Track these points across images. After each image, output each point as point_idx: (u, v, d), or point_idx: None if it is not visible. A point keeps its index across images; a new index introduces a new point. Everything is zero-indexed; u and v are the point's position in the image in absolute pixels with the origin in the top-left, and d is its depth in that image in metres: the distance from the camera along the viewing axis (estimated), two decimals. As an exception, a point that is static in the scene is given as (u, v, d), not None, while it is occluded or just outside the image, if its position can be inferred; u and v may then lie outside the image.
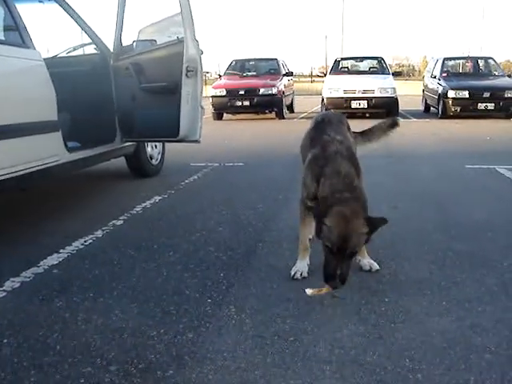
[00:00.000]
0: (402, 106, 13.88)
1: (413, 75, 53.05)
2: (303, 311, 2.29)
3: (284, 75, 14.74)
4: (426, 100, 15.35)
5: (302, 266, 2.67)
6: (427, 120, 12.92)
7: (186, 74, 4.09)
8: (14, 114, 3.33)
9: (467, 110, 12.42)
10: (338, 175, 2.39)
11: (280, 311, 2.30)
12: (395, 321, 2.19)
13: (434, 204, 4.22)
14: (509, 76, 13.73)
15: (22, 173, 3.38)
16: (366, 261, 2.76)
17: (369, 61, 15.94)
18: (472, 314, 2.24)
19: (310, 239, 2.78)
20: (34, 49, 3.65)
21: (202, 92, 4.30)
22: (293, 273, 2.66)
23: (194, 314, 2.28)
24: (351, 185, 2.38)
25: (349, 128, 3.03)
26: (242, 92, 13.45)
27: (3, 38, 3.65)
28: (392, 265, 2.83)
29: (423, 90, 15.81)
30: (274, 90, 13.43)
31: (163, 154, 5.84)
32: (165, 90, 4.26)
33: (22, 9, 3.77)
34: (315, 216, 2.36)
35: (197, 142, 4.39)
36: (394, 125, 3.20)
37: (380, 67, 14.70)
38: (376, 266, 2.74)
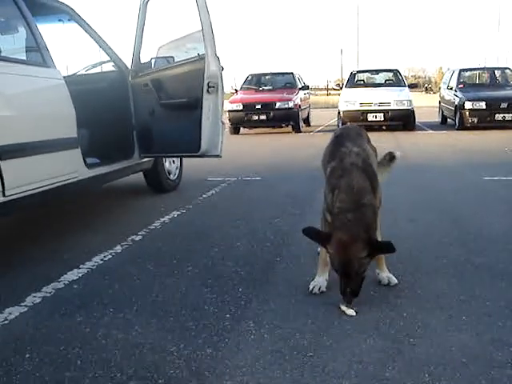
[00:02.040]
0: (418, 118, 13.84)
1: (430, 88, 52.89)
2: (322, 326, 2.29)
3: (300, 89, 14.80)
4: (442, 111, 15.28)
5: (320, 281, 2.67)
6: (444, 132, 12.86)
7: (208, 90, 4.14)
8: (35, 132, 3.40)
9: (484, 121, 12.32)
10: (348, 189, 2.44)
11: (299, 326, 2.30)
12: (414, 335, 2.18)
13: (453, 216, 4.20)
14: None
15: (42, 189, 3.43)
16: (385, 275, 2.75)
17: (384, 73, 15.95)
18: (492, 329, 2.22)
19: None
20: (55, 68, 3.72)
21: (222, 107, 4.35)
22: (311, 287, 2.66)
23: (213, 330, 2.29)
24: (359, 202, 2.41)
25: (369, 140, 3.04)
26: (258, 106, 13.53)
27: (25, 58, 3.74)
28: (410, 278, 2.82)
29: (440, 102, 15.74)
30: (291, 104, 13.48)
31: (181, 169, 5.89)
32: (186, 105, 4.32)
33: (42, 29, 3.86)
34: (320, 244, 2.56)
35: (218, 156, 4.43)
36: (392, 159, 3.22)
37: (396, 79, 14.69)
38: (394, 280, 2.74)
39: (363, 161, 2.58)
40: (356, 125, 3.80)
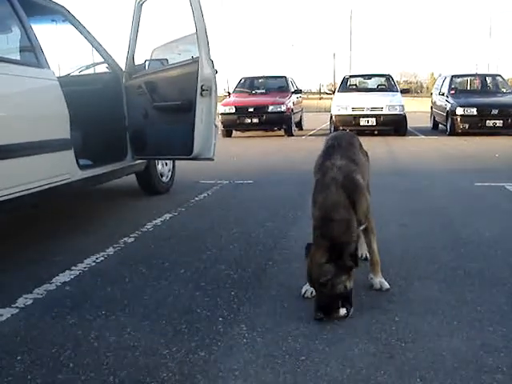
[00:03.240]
0: (410, 123, 13.91)
1: (421, 92, 53.23)
2: (314, 330, 2.30)
3: (293, 93, 14.84)
4: (434, 117, 15.38)
5: (312, 285, 2.68)
6: (435, 137, 12.94)
7: (201, 93, 4.13)
8: (28, 133, 3.39)
9: (475, 127, 12.42)
10: (322, 206, 2.54)
11: (291, 330, 2.31)
12: (406, 340, 2.19)
13: (444, 222, 4.22)
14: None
15: (34, 190, 3.42)
16: (377, 280, 2.76)
17: (377, 78, 16.04)
18: (483, 334, 2.24)
19: None
20: (49, 68, 3.71)
21: (215, 110, 4.35)
22: (303, 291, 2.67)
23: (206, 333, 2.29)
24: (328, 218, 2.48)
25: (361, 146, 3.06)
26: (251, 109, 13.53)
27: (19, 58, 3.73)
28: (402, 283, 2.84)
29: (431, 107, 15.84)
30: (283, 108, 13.51)
31: (173, 171, 5.89)
32: (179, 108, 4.31)
33: (36, 29, 3.85)
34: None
35: (211, 159, 4.43)
36: None
37: (388, 84, 14.77)
38: (386, 285, 2.75)
39: (345, 176, 2.60)
40: (348, 130, 3.83)
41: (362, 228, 2.63)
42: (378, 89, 14.97)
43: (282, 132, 14.16)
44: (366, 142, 3.35)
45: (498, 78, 15.03)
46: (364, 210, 2.62)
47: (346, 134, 3.21)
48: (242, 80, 15.86)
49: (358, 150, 2.95)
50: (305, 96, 24.50)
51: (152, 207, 4.95)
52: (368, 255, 2.90)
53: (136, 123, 4.73)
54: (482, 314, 2.43)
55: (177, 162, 5.95)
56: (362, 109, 13.09)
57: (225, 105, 13.97)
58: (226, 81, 32.13)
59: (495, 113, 12.35)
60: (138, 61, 4.92)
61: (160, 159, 5.37)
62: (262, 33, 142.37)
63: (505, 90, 14.17)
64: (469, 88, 16.38)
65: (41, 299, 2.73)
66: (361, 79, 16.60)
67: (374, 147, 9.25)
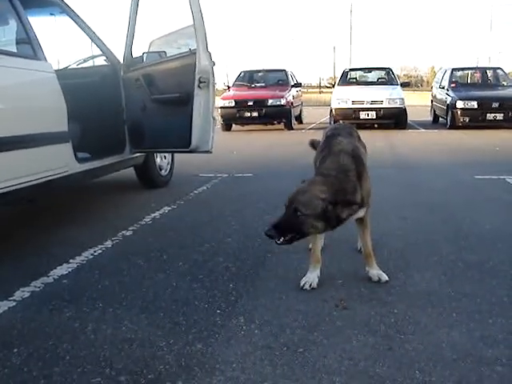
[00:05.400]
0: (410, 117, 13.87)
1: (421, 85, 53.16)
2: (312, 322, 2.29)
3: (292, 86, 14.79)
4: (434, 110, 15.33)
5: (312, 277, 2.67)
6: (436, 130, 12.91)
7: (199, 85, 4.11)
8: (26, 125, 3.37)
9: (476, 121, 12.37)
10: (335, 163, 2.55)
11: (289, 322, 2.29)
12: (405, 332, 2.18)
13: (444, 214, 4.21)
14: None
15: (32, 183, 3.41)
16: (375, 272, 2.75)
17: (377, 71, 15.98)
18: (482, 326, 2.22)
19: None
20: (46, 61, 3.69)
21: (213, 103, 4.33)
22: (302, 283, 2.66)
23: (204, 325, 2.28)
24: (342, 169, 2.51)
25: (359, 138, 3.06)
26: (250, 103, 13.48)
27: (16, 51, 3.70)
28: (401, 276, 2.82)
29: (432, 101, 15.78)
30: (283, 101, 13.48)
31: (172, 164, 5.87)
32: (177, 100, 4.28)
33: (34, 21, 3.82)
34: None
35: (208, 152, 4.41)
36: None
37: (388, 78, 14.72)
38: (385, 277, 2.73)
39: (353, 149, 2.64)
40: (347, 123, 3.82)
41: (361, 214, 2.61)
42: (378, 82, 14.91)
43: (281, 126, 14.11)
44: (366, 136, 3.34)
45: (499, 71, 14.97)
46: (367, 188, 2.63)
47: (345, 126, 3.22)
48: (242, 74, 15.80)
49: (356, 140, 2.94)
50: (305, 90, 24.47)
51: (150, 200, 4.94)
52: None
53: (134, 116, 4.71)
54: (481, 306, 2.42)
55: (176, 156, 5.93)
56: (362, 102, 13.04)
57: (224, 98, 13.93)
58: (226, 75, 32.08)
59: (496, 106, 12.30)
60: (136, 53, 4.90)
61: (158, 152, 5.35)
62: (262, 26, 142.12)
63: (505, 84, 14.10)
64: (469, 81, 16.29)
65: (38, 292, 2.72)
66: (361, 73, 16.53)
67: (374, 140, 9.24)
